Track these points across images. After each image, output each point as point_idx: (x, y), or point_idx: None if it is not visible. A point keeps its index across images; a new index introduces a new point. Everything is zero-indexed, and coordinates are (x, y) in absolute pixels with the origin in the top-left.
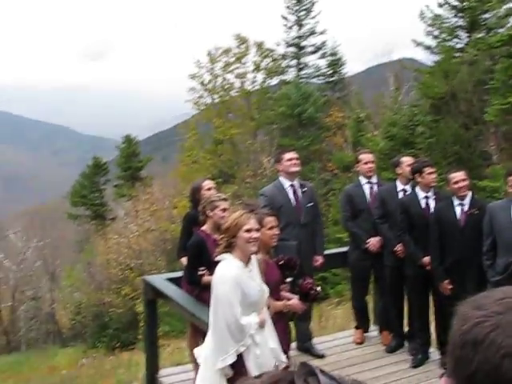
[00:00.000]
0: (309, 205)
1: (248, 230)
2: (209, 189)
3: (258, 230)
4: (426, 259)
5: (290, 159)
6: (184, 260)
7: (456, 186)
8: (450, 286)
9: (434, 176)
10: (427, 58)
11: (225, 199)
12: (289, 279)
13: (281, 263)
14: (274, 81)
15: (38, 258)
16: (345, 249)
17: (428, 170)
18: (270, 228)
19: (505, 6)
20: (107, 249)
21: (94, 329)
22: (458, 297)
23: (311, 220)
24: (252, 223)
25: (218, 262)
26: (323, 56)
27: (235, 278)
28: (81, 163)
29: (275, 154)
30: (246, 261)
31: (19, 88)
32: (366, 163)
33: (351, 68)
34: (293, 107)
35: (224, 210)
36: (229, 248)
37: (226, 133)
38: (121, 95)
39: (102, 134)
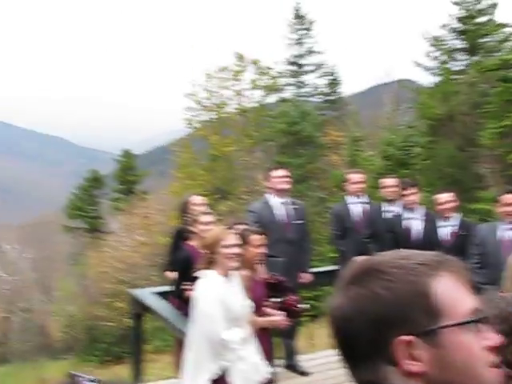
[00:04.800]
0: (298, 222)
1: (228, 246)
2: (196, 204)
3: (238, 246)
4: None
5: (279, 176)
6: (169, 274)
7: (440, 207)
8: None
9: (414, 196)
10: (425, 80)
11: (208, 213)
12: (275, 300)
13: (271, 282)
14: (272, 98)
15: (33, 271)
16: (334, 267)
17: (409, 190)
18: (255, 246)
19: (503, 30)
20: (100, 262)
21: (85, 342)
22: None
23: (299, 237)
24: (231, 239)
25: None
26: (322, 75)
27: (217, 293)
28: (76, 175)
29: (265, 172)
30: (227, 276)
31: (19, 99)
32: (353, 183)
33: (350, 88)
34: (291, 125)
35: (206, 223)
36: (210, 264)
37: (222, 149)
38: (119, 110)
39: (98, 147)
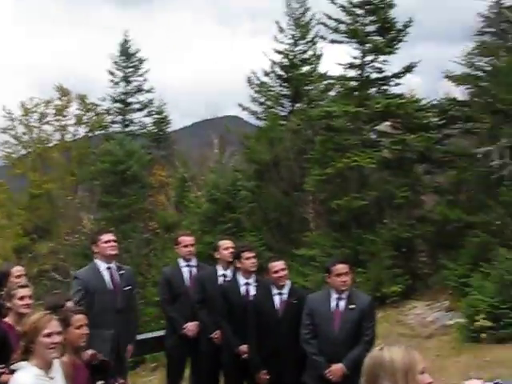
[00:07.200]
0: (126, 288)
1: (48, 335)
2: (18, 276)
3: (60, 334)
4: (243, 347)
5: (108, 241)
6: None
7: (275, 275)
8: (267, 377)
9: (252, 261)
10: (251, 119)
11: (24, 285)
12: (99, 383)
13: (93, 364)
14: (97, 135)
15: None
16: (161, 332)
17: (246, 254)
18: (79, 327)
19: (325, 82)
20: None
21: None
22: None
23: (128, 305)
24: (53, 326)
25: (14, 371)
26: (149, 114)
27: None
28: None
29: (91, 234)
30: (47, 368)
31: None
32: (185, 246)
33: (177, 126)
34: (116, 164)
35: (22, 297)
36: (26, 354)
37: (43, 187)
38: None
39: None
